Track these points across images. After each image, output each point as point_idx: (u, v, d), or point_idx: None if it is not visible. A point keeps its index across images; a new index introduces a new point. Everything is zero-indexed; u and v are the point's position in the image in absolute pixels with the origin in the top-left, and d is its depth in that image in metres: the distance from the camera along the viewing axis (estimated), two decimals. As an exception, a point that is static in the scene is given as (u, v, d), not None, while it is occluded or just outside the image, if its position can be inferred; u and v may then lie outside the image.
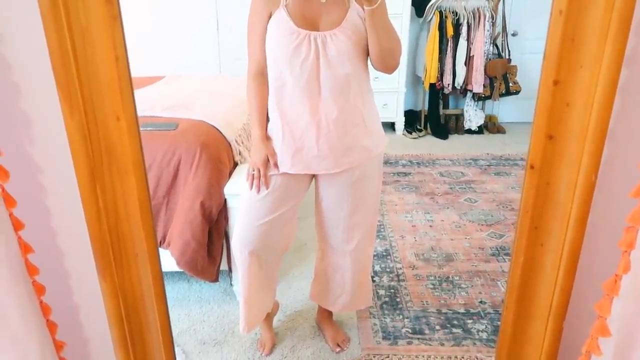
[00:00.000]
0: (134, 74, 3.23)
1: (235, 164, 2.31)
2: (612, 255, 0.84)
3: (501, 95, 4.38)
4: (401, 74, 4.33)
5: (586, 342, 0.88)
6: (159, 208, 2.08)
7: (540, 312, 0.95)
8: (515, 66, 4.34)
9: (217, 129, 2.26)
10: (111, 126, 0.85)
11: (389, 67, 1.49)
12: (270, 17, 1.47)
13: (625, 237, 0.79)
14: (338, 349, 1.90)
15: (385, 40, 1.42)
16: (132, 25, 4.24)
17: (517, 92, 4.36)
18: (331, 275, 1.82)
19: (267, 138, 1.58)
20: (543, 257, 0.92)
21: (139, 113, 2.40)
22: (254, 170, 1.57)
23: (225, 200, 2.08)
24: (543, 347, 0.96)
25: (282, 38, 1.45)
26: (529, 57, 4.39)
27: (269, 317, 1.95)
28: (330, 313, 1.98)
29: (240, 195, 1.73)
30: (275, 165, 1.55)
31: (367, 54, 1.51)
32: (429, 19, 4.28)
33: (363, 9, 1.39)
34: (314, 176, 1.65)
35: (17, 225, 0.90)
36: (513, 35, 4.45)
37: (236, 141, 2.36)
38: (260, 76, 1.55)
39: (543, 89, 0.83)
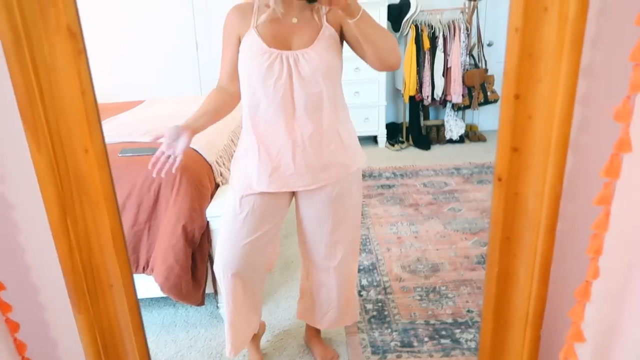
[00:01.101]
0: (114, 99, 3.21)
1: (217, 186, 2.30)
2: (582, 262, 0.85)
3: (480, 104, 4.45)
4: (381, 88, 4.39)
5: (563, 349, 0.89)
6: (141, 234, 2.06)
7: (517, 322, 0.95)
8: (492, 75, 4.42)
9: (197, 151, 2.25)
10: (80, 158, 0.84)
11: (392, 64, 1.49)
12: (239, 39, 1.49)
13: (592, 244, 0.80)
14: None
15: (380, 42, 1.43)
16: (110, 49, 4.25)
17: (495, 101, 4.43)
18: (316, 293, 1.82)
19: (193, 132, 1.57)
20: (516, 267, 0.93)
21: (118, 139, 2.40)
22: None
23: (207, 222, 2.07)
24: (523, 355, 0.96)
25: (254, 58, 1.46)
26: (505, 65, 4.47)
27: (256, 338, 1.93)
28: (318, 331, 1.97)
29: (221, 218, 1.72)
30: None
31: (341, 71, 1.53)
32: (406, 33, 4.36)
33: (340, 28, 1.42)
34: (293, 194, 1.66)
35: (-12, 263, 0.89)
36: (489, 45, 4.54)
37: (217, 162, 2.36)
38: (221, 88, 1.59)
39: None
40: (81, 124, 0.82)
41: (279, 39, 1.47)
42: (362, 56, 1.52)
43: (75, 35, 0.78)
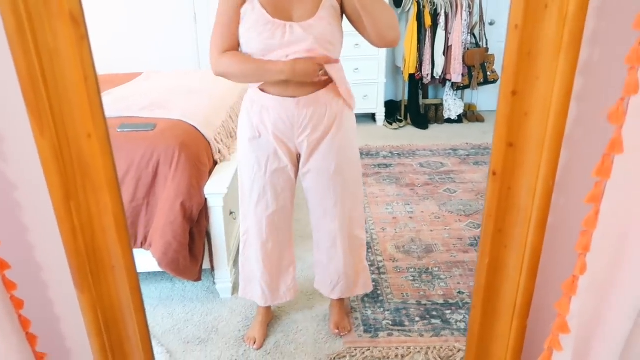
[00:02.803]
0: (112, 70, 3.16)
1: (215, 163, 2.32)
2: (570, 257, 0.88)
3: (479, 84, 4.43)
4: (380, 65, 4.36)
5: (548, 339, 0.93)
6: (140, 209, 2.08)
7: (505, 311, 0.99)
8: (493, 55, 4.40)
9: (195, 128, 2.26)
10: (83, 143, 0.86)
11: (391, 40, 1.52)
12: (241, 7, 1.48)
13: (580, 240, 0.83)
14: (336, 331, 1.98)
15: (380, 17, 1.44)
16: (108, 20, 4.18)
17: (495, 81, 4.42)
18: (326, 264, 1.88)
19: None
20: (507, 258, 0.96)
21: (116, 114, 2.40)
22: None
23: (205, 199, 2.10)
24: (509, 343, 1.01)
25: (257, 28, 1.46)
26: (506, 46, 4.44)
27: (268, 316, 2.02)
28: (340, 300, 2.03)
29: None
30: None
31: (341, 44, 1.56)
32: (407, 9, 4.30)
33: (341, 1, 1.42)
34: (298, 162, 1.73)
35: (-7, 243, 0.92)
36: (490, 24, 4.50)
37: (215, 139, 2.36)
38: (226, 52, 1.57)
39: (502, 100, 0.86)
40: (84, 109, 0.83)
41: (281, 9, 1.47)
42: (361, 31, 1.54)
43: (78, 21, 0.78)
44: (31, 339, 1.02)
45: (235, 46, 1.55)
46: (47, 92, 0.80)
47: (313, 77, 1.50)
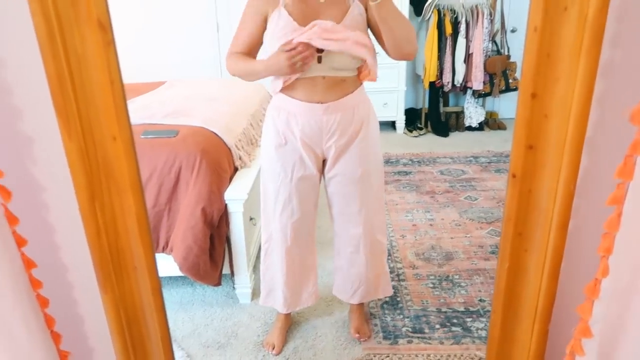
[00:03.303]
0: (135, 79, 3.24)
1: (236, 169, 2.35)
2: (592, 260, 0.87)
3: (501, 91, 4.39)
4: (401, 73, 4.36)
5: (570, 343, 0.91)
6: (161, 214, 2.12)
7: (526, 315, 0.98)
8: (515, 62, 4.36)
9: (217, 134, 2.29)
10: (108, 146, 0.88)
11: (407, 54, 1.54)
12: (265, 17, 1.51)
13: (602, 243, 0.82)
14: (356, 336, 1.97)
15: (398, 30, 1.46)
16: (131, 29, 4.26)
17: (517, 88, 4.37)
18: (347, 269, 1.89)
19: None
20: (527, 262, 0.95)
21: (140, 121, 2.45)
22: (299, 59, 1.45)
23: (226, 205, 2.12)
24: (530, 348, 0.99)
25: (285, 37, 1.48)
26: (528, 52, 4.39)
27: (287, 322, 2.02)
28: (359, 306, 2.02)
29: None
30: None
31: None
32: (428, 17, 4.30)
33: (365, 9, 1.43)
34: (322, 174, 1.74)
35: (20, 242, 0.95)
36: (512, 31, 4.46)
37: (236, 146, 2.39)
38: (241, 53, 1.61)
39: (522, 102, 0.86)
40: (110, 112, 0.86)
41: (308, 17, 1.50)
42: (380, 43, 1.55)
43: (105, 27, 0.81)
44: (55, 337, 1.05)
45: (249, 50, 1.58)
46: (75, 96, 0.83)
47: (294, 58, 1.44)
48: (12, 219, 0.91)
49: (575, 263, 0.96)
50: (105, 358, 1.12)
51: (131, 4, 4.10)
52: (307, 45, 1.43)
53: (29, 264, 0.95)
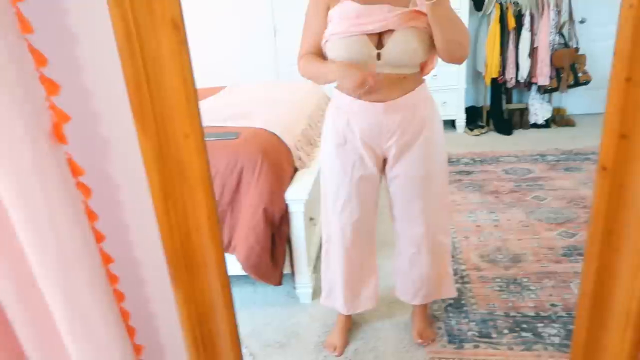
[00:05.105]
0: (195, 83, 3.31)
1: (295, 170, 2.35)
2: (697, 261, 0.78)
3: (569, 86, 4.17)
4: (461, 70, 4.23)
5: (670, 354, 0.83)
6: (224, 215, 2.16)
7: (616, 322, 0.90)
8: (584, 55, 4.12)
9: (277, 135, 2.31)
10: (181, 144, 0.90)
11: (457, 57, 1.50)
12: (328, 10, 1.50)
13: None
14: (419, 341, 1.92)
15: (450, 33, 1.42)
16: (189, 34, 4.41)
17: (586, 83, 4.13)
18: (408, 271, 1.84)
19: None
20: (619, 263, 0.87)
21: (204, 124, 2.52)
22: (365, 85, 1.44)
23: (286, 205, 2.13)
24: (622, 357, 0.91)
25: (348, 19, 1.47)
26: (599, 44, 4.14)
27: (348, 323, 2.01)
28: (422, 308, 1.98)
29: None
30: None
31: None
32: (489, 12, 4.15)
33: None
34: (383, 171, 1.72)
35: (99, 238, 0.98)
36: (581, 22, 4.22)
37: (296, 147, 2.41)
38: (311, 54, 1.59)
39: (614, 87, 0.79)
40: (182, 110, 0.87)
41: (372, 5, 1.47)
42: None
43: (179, 27, 0.82)
44: (130, 330, 1.08)
45: (318, 49, 1.57)
46: (151, 95, 0.85)
47: (361, 86, 1.45)
48: (92, 216, 0.95)
49: (675, 264, 0.87)
50: (176, 353, 1.14)
51: (187, 10, 4.22)
52: (375, 78, 1.45)
53: (106, 259, 0.99)
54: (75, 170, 0.90)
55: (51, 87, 0.81)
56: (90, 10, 0.87)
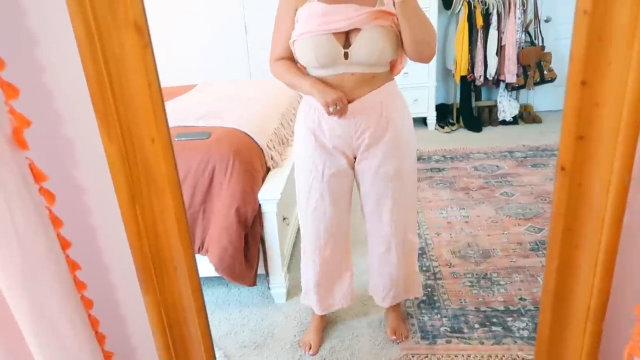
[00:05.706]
0: (164, 82, 3.30)
1: (268, 169, 2.35)
2: (650, 256, 0.82)
3: (536, 83, 4.27)
4: (431, 68, 4.29)
5: (628, 346, 0.86)
6: (196, 216, 2.14)
7: (578, 315, 0.93)
8: (550, 53, 4.23)
9: (249, 135, 2.30)
10: (147, 148, 0.89)
11: (425, 56, 1.52)
12: (296, 12, 1.50)
13: (663, 238, 0.77)
14: (393, 337, 1.95)
15: (418, 31, 1.44)
16: (158, 32, 4.33)
17: (552, 80, 4.24)
18: (379, 270, 1.87)
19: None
20: (578, 259, 0.90)
21: (173, 124, 2.49)
22: (335, 106, 1.48)
23: (259, 205, 2.13)
24: (583, 349, 0.94)
25: (315, 18, 1.48)
26: (564, 42, 4.26)
27: (323, 322, 2.02)
28: (395, 306, 2.00)
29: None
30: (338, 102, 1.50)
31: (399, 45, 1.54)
32: (457, 10, 4.22)
33: (393, 3, 1.41)
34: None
35: (65, 245, 0.96)
36: (546, 21, 4.33)
37: (268, 146, 2.40)
38: (283, 59, 1.61)
39: (570, 90, 0.82)
40: (148, 114, 0.86)
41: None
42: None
43: (142, 29, 0.81)
44: (100, 338, 1.06)
45: (290, 52, 1.57)
46: (114, 99, 0.84)
47: (332, 106, 1.48)
48: (56, 222, 0.93)
49: (630, 259, 0.91)
50: (148, 358, 1.13)
51: (158, 8, 4.14)
52: (345, 103, 1.49)
53: (73, 266, 0.97)
54: (37, 176, 0.88)
55: (10, 91, 0.79)
56: (49, 11, 0.85)
